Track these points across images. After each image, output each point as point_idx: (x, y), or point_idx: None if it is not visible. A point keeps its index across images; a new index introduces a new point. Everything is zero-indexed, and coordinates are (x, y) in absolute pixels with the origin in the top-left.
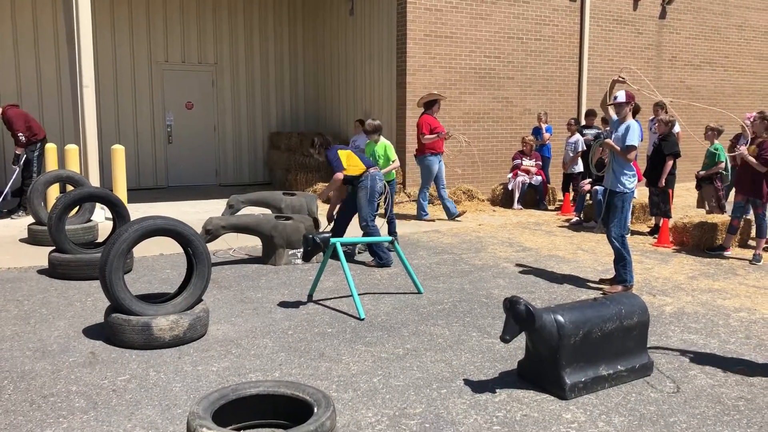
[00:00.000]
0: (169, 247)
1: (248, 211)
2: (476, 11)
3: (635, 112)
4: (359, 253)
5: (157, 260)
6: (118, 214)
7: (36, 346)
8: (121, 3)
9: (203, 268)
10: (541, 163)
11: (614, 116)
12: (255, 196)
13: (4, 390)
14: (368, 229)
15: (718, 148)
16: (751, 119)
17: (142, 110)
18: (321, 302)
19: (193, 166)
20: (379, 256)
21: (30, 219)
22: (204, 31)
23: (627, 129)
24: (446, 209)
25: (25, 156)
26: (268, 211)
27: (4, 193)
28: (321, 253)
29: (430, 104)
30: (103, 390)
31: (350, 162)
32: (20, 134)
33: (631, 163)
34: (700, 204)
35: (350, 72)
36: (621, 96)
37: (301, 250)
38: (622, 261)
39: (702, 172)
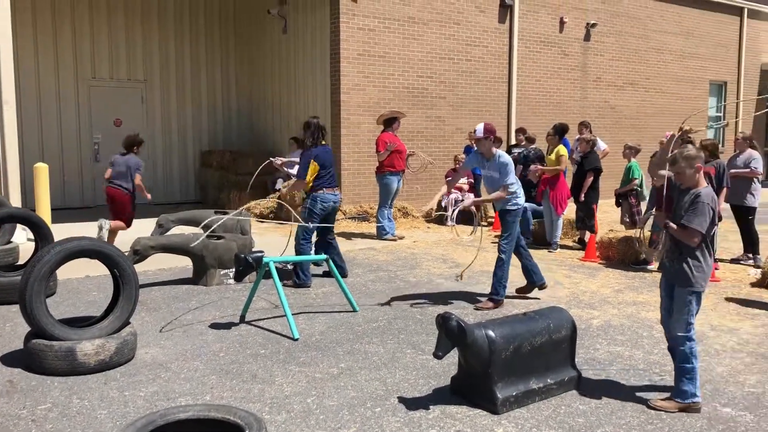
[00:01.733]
0: (96, 268)
1: (179, 230)
2: (408, 32)
3: (564, 131)
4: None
5: (82, 282)
6: (41, 234)
7: None
8: (45, 17)
9: (131, 290)
10: (473, 180)
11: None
12: (186, 215)
13: None
14: (299, 247)
15: (633, 165)
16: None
17: (68, 127)
18: (254, 323)
19: None
20: (297, 276)
21: None
22: (133, 47)
23: (505, 166)
24: (381, 227)
25: None
26: (199, 231)
27: None
28: (254, 273)
29: (389, 122)
30: (22, 420)
31: (311, 178)
32: None
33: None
34: (622, 221)
35: (284, 90)
36: (479, 130)
37: (233, 269)
38: (500, 272)
39: (619, 189)
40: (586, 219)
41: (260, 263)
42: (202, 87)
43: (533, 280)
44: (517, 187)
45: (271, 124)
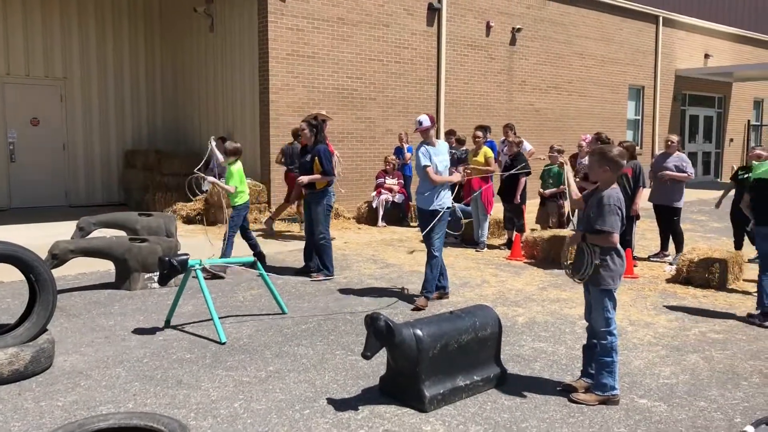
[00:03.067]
0: (10, 274)
1: (101, 233)
2: (338, 33)
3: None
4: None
5: None
6: None
7: None
8: None
9: (48, 296)
10: (403, 181)
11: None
12: (108, 218)
13: None
14: (326, 242)
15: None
16: (587, 141)
17: None
18: (179, 327)
19: (40, 186)
20: (327, 268)
21: None
22: (51, 43)
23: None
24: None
25: None
26: (122, 233)
27: None
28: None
29: None
30: None
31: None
32: None
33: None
34: (539, 220)
35: (212, 89)
36: (426, 120)
37: (158, 273)
38: (436, 270)
39: (548, 191)
40: (515, 219)
41: (185, 266)
42: (125, 85)
43: (444, 284)
44: (442, 188)
45: (198, 123)
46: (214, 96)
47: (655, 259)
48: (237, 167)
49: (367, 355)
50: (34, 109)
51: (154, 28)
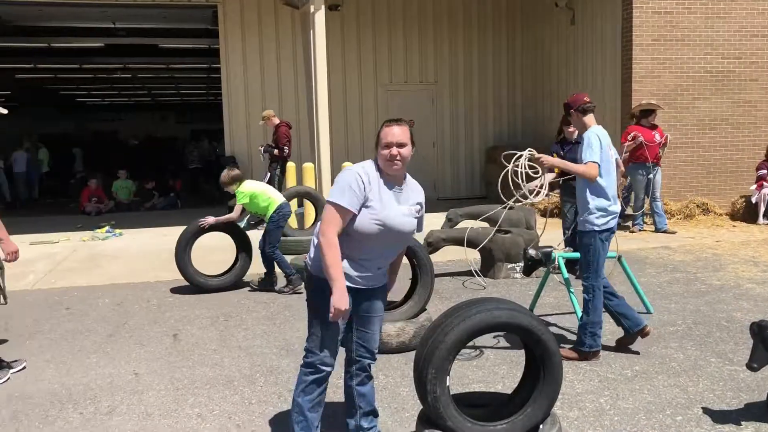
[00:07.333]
0: None
1: (467, 224)
2: (712, 10)
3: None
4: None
5: None
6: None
7: (281, 345)
8: (351, 29)
9: (427, 279)
10: None
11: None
12: (473, 210)
13: (257, 382)
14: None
15: None
16: None
17: (369, 129)
18: (542, 318)
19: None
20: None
21: None
22: (425, 52)
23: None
24: (654, 222)
25: (268, 173)
26: (486, 225)
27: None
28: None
29: (645, 113)
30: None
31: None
32: (284, 147)
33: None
34: None
35: (570, 83)
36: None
37: (520, 264)
38: (589, 317)
39: None
40: None
41: (549, 259)
42: (488, 85)
43: (627, 326)
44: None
45: (556, 118)
46: (573, 89)
47: None
48: (247, 188)
49: (753, 366)
50: (410, 112)
51: (515, 31)
